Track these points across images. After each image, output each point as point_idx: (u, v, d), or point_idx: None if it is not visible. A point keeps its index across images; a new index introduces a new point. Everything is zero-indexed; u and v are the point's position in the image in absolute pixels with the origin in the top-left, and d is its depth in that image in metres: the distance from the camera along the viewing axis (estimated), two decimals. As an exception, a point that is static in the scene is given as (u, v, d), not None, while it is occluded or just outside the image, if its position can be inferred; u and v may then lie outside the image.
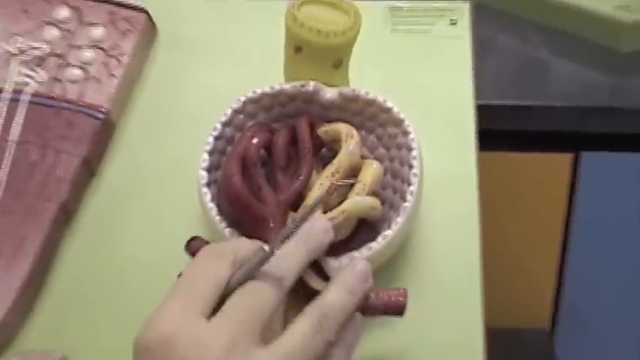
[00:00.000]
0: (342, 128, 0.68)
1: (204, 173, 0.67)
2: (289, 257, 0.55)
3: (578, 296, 1.27)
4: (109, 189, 0.74)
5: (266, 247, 0.53)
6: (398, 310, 0.59)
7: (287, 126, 0.69)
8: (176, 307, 0.52)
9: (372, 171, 0.66)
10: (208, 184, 0.67)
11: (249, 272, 0.53)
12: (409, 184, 0.65)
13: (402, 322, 0.61)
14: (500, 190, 1.09)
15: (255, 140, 0.67)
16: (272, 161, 0.67)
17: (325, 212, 0.63)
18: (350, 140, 0.67)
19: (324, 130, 0.69)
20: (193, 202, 0.68)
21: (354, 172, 0.66)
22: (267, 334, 0.52)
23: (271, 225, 0.63)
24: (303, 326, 0.53)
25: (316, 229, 0.58)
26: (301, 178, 0.66)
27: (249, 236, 0.59)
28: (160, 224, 0.73)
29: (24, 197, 0.70)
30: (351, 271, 0.57)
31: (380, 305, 0.59)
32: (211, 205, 0.65)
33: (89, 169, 0.74)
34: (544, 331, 1.24)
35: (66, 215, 0.72)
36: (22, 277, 0.67)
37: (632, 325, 1.30)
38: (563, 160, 1.20)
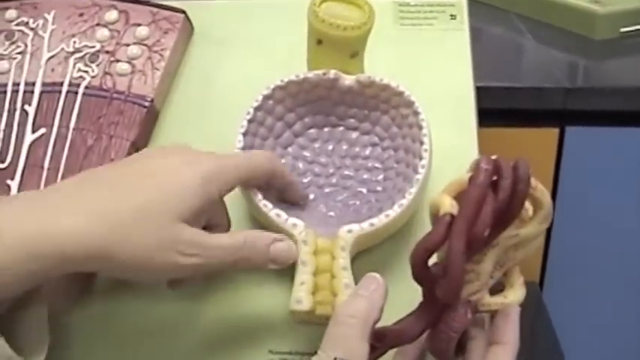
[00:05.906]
0: (547, 201, 0.56)
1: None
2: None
3: (564, 253, 1.27)
4: (156, 168, 0.73)
5: None
6: None
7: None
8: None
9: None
10: (243, 162, 0.65)
11: None
12: (420, 159, 0.64)
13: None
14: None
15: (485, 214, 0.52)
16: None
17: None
18: (545, 223, 0.57)
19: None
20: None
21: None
22: None
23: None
24: None
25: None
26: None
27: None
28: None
29: (82, 177, 0.69)
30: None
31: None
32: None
33: (137, 150, 0.72)
34: (534, 283, 1.26)
35: (119, 192, 0.71)
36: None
37: (610, 278, 1.30)
38: (550, 133, 1.19)
